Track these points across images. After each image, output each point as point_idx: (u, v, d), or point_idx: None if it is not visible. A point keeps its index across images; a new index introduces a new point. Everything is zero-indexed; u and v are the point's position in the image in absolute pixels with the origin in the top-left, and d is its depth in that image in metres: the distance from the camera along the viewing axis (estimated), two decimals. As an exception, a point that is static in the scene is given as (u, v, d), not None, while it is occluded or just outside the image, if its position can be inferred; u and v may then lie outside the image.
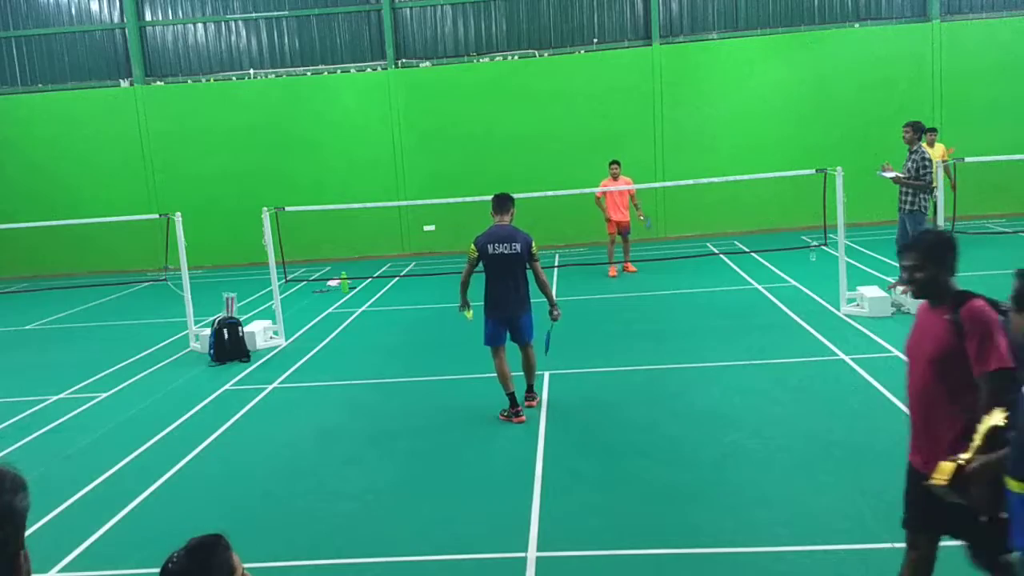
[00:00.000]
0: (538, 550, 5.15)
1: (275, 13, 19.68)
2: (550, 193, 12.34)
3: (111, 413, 8.66)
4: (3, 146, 19.89)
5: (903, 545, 4.89)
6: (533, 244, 7.52)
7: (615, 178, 14.50)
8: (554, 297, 7.73)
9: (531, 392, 7.89)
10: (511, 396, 7.56)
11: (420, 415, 7.96)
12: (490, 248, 7.46)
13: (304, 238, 17.24)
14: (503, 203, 7.63)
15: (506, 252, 7.43)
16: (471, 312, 7.88)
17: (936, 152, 13.78)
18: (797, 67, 18.63)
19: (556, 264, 15.91)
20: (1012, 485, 3.09)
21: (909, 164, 10.45)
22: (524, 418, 7.53)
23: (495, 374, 7.66)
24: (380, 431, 7.61)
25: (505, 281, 7.48)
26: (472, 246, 7.56)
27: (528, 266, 7.54)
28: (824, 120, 18.46)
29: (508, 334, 7.67)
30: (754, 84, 18.66)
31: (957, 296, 3.61)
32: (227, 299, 10.91)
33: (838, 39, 18.64)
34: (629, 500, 5.80)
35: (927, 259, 3.66)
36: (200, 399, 8.90)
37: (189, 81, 19.92)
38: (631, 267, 15.08)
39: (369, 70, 19.63)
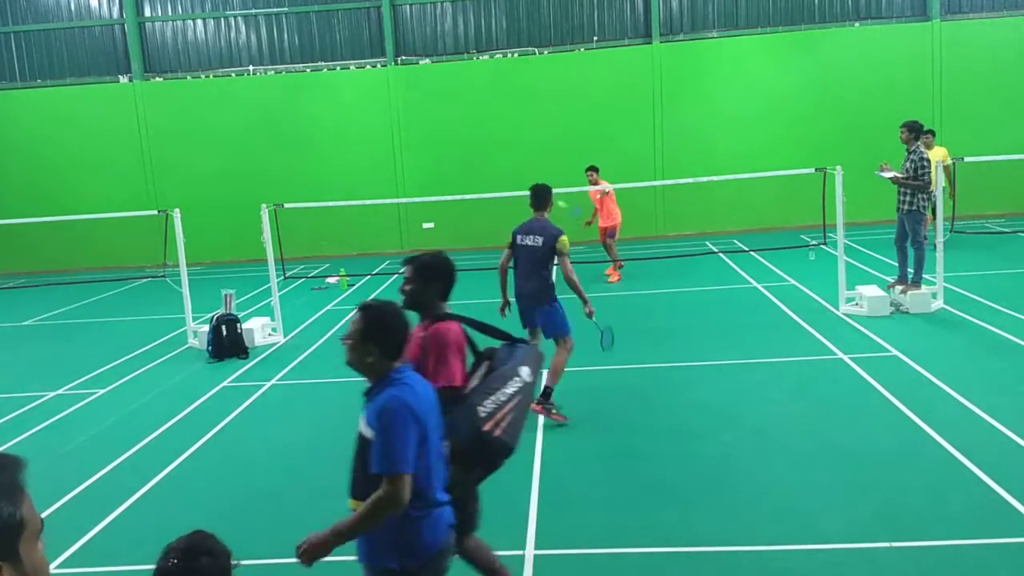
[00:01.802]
0: (536, 548, 5.15)
1: (275, 9, 19.65)
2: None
3: (109, 409, 8.65)
4: (2, 142, 19.86)
5: (902, 544, 4.90)
6: (559, 239, 7.37)
7: (594, 184, 13.76)
8: (585, 294, 7.53)
9: (544, 397, 7.29)
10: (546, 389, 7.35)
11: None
12: (519, 238, 7.59)
13: (303, 235, 17.20)
14: (540, 197, 7.71)
15: (530, 244, 7.51)
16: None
17: (937, 155, 13.73)
18: (797, 66, 18.62)
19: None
20: (350, 504, 3.24)
21: (907, 164, 10.45)
22: (540, 407, 7.22)
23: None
24: (378, 428, 7.59)
25: (524, 272, 7.56)
26: (512, 233, 7.67)
27: (556, 261, 7.46)
28: (824, 119, 18.45)
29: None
30: (754, 83, 18.65)
31: (437, 317, 4.06)
32: (226, 296, 10.90)
33: (838, 38, 18.63)
34: (627, 498, 5.79)
35: (416, 275, 4.09)
36: (198, 396, 8.89)
37: (188, 77, 19.89)
38: (617, 274, 14.24)
39: (369, 67, 19.60)
